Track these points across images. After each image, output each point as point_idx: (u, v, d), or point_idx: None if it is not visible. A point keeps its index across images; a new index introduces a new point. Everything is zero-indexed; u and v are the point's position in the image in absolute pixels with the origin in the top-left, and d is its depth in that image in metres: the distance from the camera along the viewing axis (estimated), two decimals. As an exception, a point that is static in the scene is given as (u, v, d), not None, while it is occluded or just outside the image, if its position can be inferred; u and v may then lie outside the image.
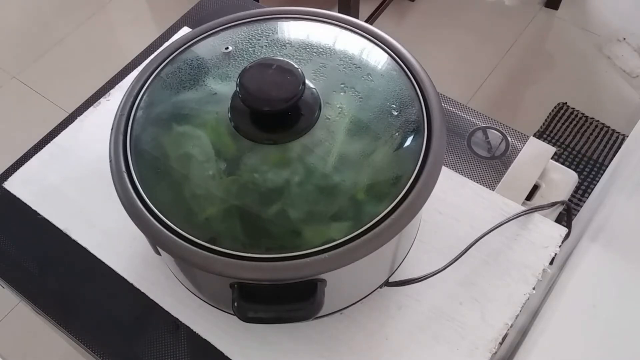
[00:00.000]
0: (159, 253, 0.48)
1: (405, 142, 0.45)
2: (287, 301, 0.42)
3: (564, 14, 1.65)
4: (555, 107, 1.46)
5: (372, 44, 0.50)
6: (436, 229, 0.56)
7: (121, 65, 0.70)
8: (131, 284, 0.55)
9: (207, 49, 0.50)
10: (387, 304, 0.53)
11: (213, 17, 0.54)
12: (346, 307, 0.51)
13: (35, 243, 0.58)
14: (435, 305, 0.53)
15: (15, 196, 0.61)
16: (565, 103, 1.47)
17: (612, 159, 1.25)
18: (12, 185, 0.62)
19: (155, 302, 0.54)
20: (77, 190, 0.61)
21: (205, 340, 0.52)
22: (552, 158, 0.62)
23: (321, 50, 0.49)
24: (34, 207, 0.60)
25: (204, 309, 0.53)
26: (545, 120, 1.44)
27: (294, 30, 0.51)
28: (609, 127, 1.42)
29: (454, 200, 0.58)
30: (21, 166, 0.63)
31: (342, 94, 0.46)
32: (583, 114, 1.45)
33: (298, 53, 0.49)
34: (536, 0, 1.68)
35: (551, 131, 1.42)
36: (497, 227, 0.55)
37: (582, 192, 1.32)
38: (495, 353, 0.51)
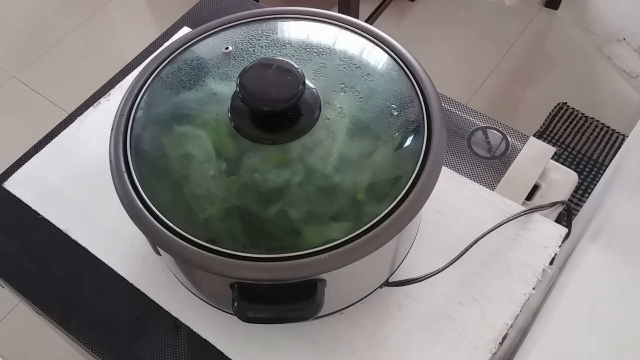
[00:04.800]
0: (159, 253, 0.48)
1: (405, 142, 0.45)
2: (287, 301, 0.42)
3: (564, 14, 1.65)
4: (555, 107, 1.46)
5: (372, 44, 0.50)
6: (436, 229, 0.56)
7: (121, 65, 0.70)
8: (131, 284, 0.55)
9: (207, 49, 0.50)
10: (387, 304, 0.53)
11: (213, 17, 0.54)
12: (346, 307, 0.51)
13: (35, 243, 0.58)
14: (435, 305, 0.53)
15: (15, 196, 0.61)
16: (565, 103, 1.47)
17: (612, 159, 1.25)
18: (12, 185, 0.62)
19: (155, 302, 0.54)
20: (77, 190, 0.61)
21: (205, 340, 0.52)
22: (552, 158, 0.62)
23: (321, 50, 0.49)
24: (34, 207, 0.60)
25: (204, 309, 0.53)
26: (545, 120, 1.44)
27: (294, 30, 0.51)
28: (609, 127, 1.42)
29: (454, 200, 0.58)
30: (21, 166, 0.63)
31: (342, 94, 0.46)
32: (583, 114, 1.45)
33: (298, 53, 0.49)
34: (536, 0, 1.68)
35: (551, 131, 1.42)
36: (497, 227, 0.55)
37: (582, 192, 1.32)
38: (495, 353, 0.51)
